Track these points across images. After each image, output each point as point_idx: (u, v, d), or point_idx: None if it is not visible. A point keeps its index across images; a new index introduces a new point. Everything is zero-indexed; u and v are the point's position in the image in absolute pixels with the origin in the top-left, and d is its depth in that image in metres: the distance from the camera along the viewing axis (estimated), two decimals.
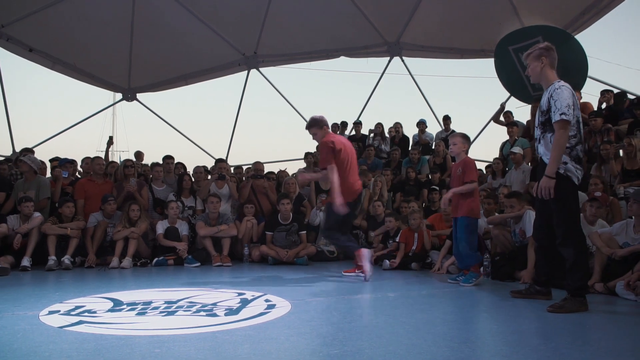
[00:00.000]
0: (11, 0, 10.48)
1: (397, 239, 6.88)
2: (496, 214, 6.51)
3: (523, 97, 10.35)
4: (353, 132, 11.76)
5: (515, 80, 10.05)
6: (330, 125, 6.12)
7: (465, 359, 2.52)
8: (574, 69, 9.10)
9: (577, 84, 9.24)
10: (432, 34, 11.81)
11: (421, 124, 11.04)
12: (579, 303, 3.75)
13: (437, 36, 11.85)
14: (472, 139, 11.50)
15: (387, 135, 11.24)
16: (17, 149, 10.83)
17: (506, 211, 6.02)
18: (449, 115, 11.04)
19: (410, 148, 10.64)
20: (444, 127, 11.08)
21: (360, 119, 12.11)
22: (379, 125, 11.27)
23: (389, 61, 12.48)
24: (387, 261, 6.59)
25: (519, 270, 5.46)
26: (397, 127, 11.18)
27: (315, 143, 5.93)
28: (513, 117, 9.86)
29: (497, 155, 9.46)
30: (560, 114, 3.75)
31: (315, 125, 5.79)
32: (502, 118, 10.08)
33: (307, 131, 5.82)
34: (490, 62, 10.49)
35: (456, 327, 3.34)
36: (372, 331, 3.09)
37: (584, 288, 3.83)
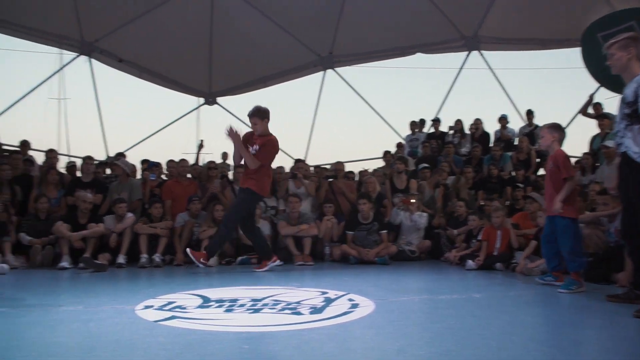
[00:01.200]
0: (102, 17, 11.19)
1: (479, 237, 6.68)
2: (587, 212, 6.14)
3: (614, 87, 9.71)
4: (432, 130, 11.55)
5: (606, 70, 9.43)
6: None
7: None
8: None
9: None
10: (512, 25, 11.36)
11: (502, 120, 10.66)
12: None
13: (517, 27, 11.39)
14: None
15: (467, 132, 10.95)
16: (111, 154, 11.52)
17: (599, 209, 5.69)
18: (532, 110, 10.59)
19: (491, 145, 10.30)
20: (527, 122, 10.64)
21: (438, 116, 11.88)
22: (458, 122, 11.00)
23: (467, 56, 12.17)
24: (470, 261, 6.41)
25: (616, 273, 5.09)
26: (478, 123, 10.85)
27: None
28: (603, 108, 9.30)
29: (585, 150, 8.96)
30: None
31: (258, 115, 5.96)
32: (590, 110, 9.53)
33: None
34: (576, 51, 9.94)
35: (546, 330, 3.20)
36: (458, 333, 3.01)
37: None
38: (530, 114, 10.56)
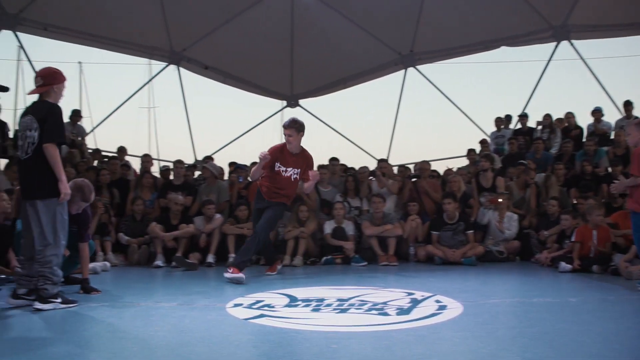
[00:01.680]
0: (189, 27, 11.69)
1: (573, 239, 6.32)
2: None
3: None
4: (519, 126, 11.09)
5: None
6: None
7: None
8: None
9: None
10: (606, 10, 10.61)
11: (597, 113, 10.03)
12: None
13: (612, 12, 10.61)
14: None
15: (556, 126, 10.40)
16: (199, 157, 12.01)
17: None
18: (631, 101, 9.88)
19: (584, 139, 9.73)
20: (625, 114, 9.95)
21: (525, 112, 11.37)
22: (547, 117, 10.47)
23: (556, 47, 11.53)
24: (564, 263, 6.09)
25: None
26: (569, 117, 10.29)
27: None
28: None
29: None
30: None
31: (295, 127, 5.59)
32: None
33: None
34: None
35: None
36: (554, 338, 2.88)
37: None
38: (628, 105, 9.84)
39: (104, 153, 10.36)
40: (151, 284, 5.49)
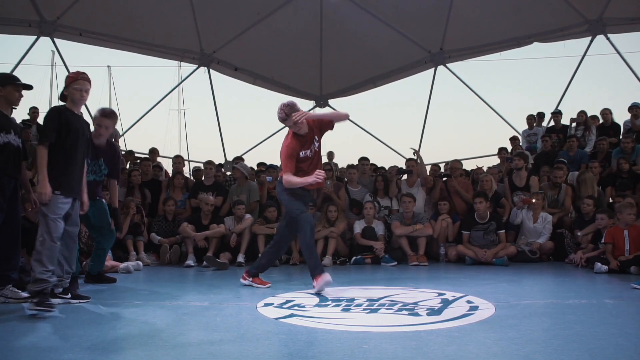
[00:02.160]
0: (218, 29, 11.84)
1: (603, 240, 6.16)
2: None
3: None
4: (552, 123, 10.87)
5: None
6: None
7: None
8: None
9: None
10: None
11: (634, 108, 9.75)
12: None
13: None
14: None
15: (591, 124, 10.15)
16: (229, 158, 12.14)
17: None
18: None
19: (621, 136, 9.48)
20: None
21: (559, 109, 11.14)
22: (582, 114, 10.24)
23: (591, 41, 11.28)
24: (599, 264, 5.94)
25: None
26: (606, 113, 10.04)
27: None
28: None
29: None
30: None
31: (290, 108, 4.75)
32: None
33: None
34: None
35: None
36: (590, 341, 2.80)
37: None
38: None
39: (136, 155, 10.56)
40: (182, 283, 5.56)
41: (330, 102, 13.98)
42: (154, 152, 9.91)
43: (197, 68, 12.87)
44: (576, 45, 11.73)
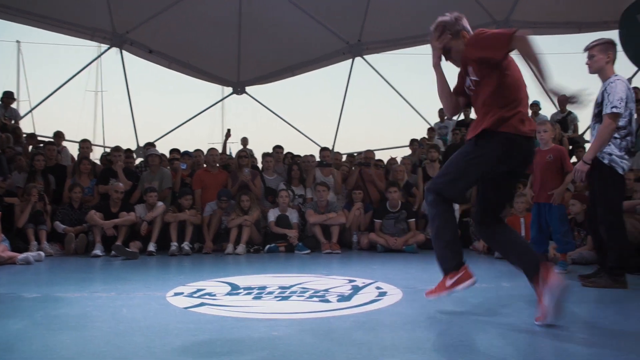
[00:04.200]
0: (133, 9, 11.34)
1: None
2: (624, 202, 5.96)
3: None
4: (462, 117, 11.38)
5: None
6: None
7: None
8: None
9: None
10: (546, 8, 11.08)
11: (534, 106, 10.43)
12: (613, 281, 4.11)
13: (552, 10, 11.10)
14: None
15: None
16: (141, 143, 11.72)
17: (634, 197, 5.54)
18: (566, 95, 10.31)
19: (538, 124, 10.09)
20: (559, 108, 10.39)
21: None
22: None
23: None
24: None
25: None
26: None
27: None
28: None
29: None
30: (612, 107, 3.99)
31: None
32: None
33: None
34: (614, 34, 9.66)
35: (584, 319, 3.15)
36: (488, 321, 2.99)
37: (620, 267, 4.14)
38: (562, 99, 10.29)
39: (40, 138, 9.94)
40: (89, 273, 5.32)
41: (248, 89, 13.84)
42: (59, 135, 9.36)
43: (109, 48, 12.28)
44: None
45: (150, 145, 9.66)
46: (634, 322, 3.09)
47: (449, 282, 3.03)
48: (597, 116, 4.18)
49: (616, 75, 4.17)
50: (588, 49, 4.25)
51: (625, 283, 4.14)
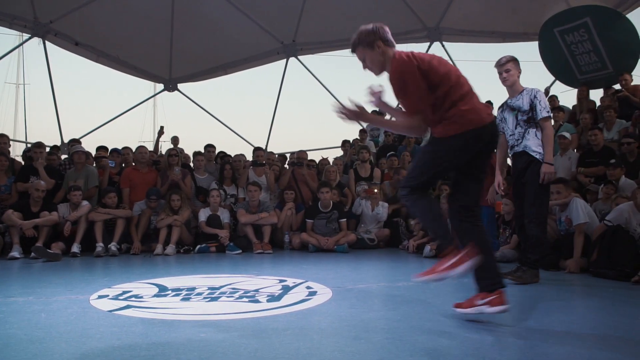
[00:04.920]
0: None
1: None
2: None
3: (569, 81, 10.04)
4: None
5: (561, 64, 9.76)
6: None
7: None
8: (626, 50, 8.82)
9: (629, 65, 8.92)
10: (473, 17, 11.57)
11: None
12: (534, 275, 4.53)
13: (479, 20, 11.60)
14: None
15: None
16: (65, 140, 11.20)
17: (551, 198, 5.86)
18: (491, 101, 10.77)
19: None
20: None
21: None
22: None
23: (429, 46, 12.29)
24: (429, 247, 6.53)
25: (565, 259, 5.33)
26: None
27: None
28: (559, 101, 9.55)
29: None
30: (547, 112, 4.50)
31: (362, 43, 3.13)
32: None
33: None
34: (534, 45, 10.21)
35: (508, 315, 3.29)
36: (412, 319, 3.08)
37: (539, 261, 4.59)
38: (489, 105, 10.73)
39: None
40: (4, 277, 5.01)
41: (180, 86, 13.56)
42: None
43: (30, 38, 11.64)
44: (417, 49, 12.64)
45: (76, 141, 9.26)
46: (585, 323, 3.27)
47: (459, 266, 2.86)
48: (527, 122, 4.55)
49: (533, 88, 4.64)
50: (502, 64, 4.63)
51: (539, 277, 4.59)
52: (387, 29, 3.12)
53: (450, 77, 3.00)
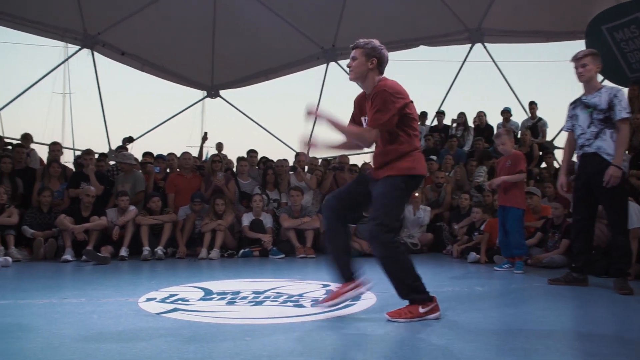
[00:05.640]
0: (105, 10, 11.17)
1: (482, 228, 6.66)
2: None
3: (618, 80, 9.69)
4: (435, 123, 11.52)
5: (610, 62, 9.43)
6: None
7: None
8: None
9: None
10: (516, 17, 11.29)
11: (505, 112, 10.62)
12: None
13: (521, 20, 11.31)
14: (562, 126, 10.94)
15: (470, 125, 10.91)
16: (113, 147, 11.54)
17: None
18: (535, 102, 10.54)
19: (494, 137, 10.26)
20: (530, 115, 10.60)
21: (442, 109, 11.83)
22: (461, 115, 10.96)
23: (470, 48, 12.07)
24: (473, 253, 6.42)
25: None
26: (481, 116, 10.81)
27: None
28: None
29: None
30: (627, 112, 4.19)
31: (362, 48, 3.47)
32: None
33: None
34: (580, 44, 9.90)
35: (551, 322, 3.20)
36: (460, 326, 3.03)
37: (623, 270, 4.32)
38: (533, 105, 10.51)
39: (7, 140, 9.72)
40: (58, 279, 5.20)
41: (222, 92, 13.77)
42: (27, 137, 9.15)
43: (80, 49, 12.06)
44: (458, 51, 12.49)
45: (123, 148, 9.52)
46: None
47: (422, 310, 3.18)
48: (603, 121, 4.25)
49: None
50: (579, 58, 4.37)
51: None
52: (387, 58, 3.47)
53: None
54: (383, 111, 3.16)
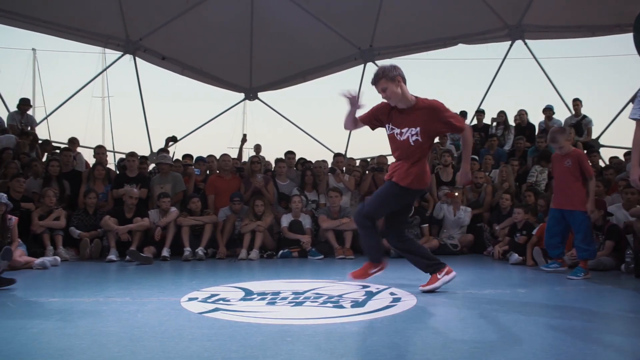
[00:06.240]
0: (144, 16, 11.44)
1: (534, 233, 6.44)
2: (638, 206, 5.90)
3: None
4: (475, 122, 11.33)
5: None
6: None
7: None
8: None
9: None
10: (558, 12, 10.96)
11: (548, 110, 10.34)
12: None
13: (564, 14, 10.98)
14: (607, 124, 10.62)
15: (511, 123, 10.68)
16: (154, 150, 11.78)
17: None
18: (579, 98, 10.23)
19: (536, 136, 10.03)
20: (574, 112, 10.30)
21: (481, 108, 11.63)
22: (502, 114, 10.74)
23: (511, 45, 11.82)
24: (516, 255, 6.28)
25: None
26: (522, 114, 10.57)
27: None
28: None
29: None
30: None
31: (386, 76, 4.01)
32: None
33: None
34: (628, 37, 9.54)
35: (594, 328, 3.10)
36: (503, 328, 2.97)
37: None
38: (577, 102, 10.20)
39: (54, 144, 10.05)
40: (103, 278, 5.35)
41: (260, 95, 13.89)
42: (73, 141, 9.44)
43: (122, 55, 12.37)
44: (498, 49, 12.21)
45: (164, 151, 9.72)
46: None
47: (372, 270, 4.49)
48: None
49: None
50: None
51: None
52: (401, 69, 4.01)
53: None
54: (453, 115, 4.05)
